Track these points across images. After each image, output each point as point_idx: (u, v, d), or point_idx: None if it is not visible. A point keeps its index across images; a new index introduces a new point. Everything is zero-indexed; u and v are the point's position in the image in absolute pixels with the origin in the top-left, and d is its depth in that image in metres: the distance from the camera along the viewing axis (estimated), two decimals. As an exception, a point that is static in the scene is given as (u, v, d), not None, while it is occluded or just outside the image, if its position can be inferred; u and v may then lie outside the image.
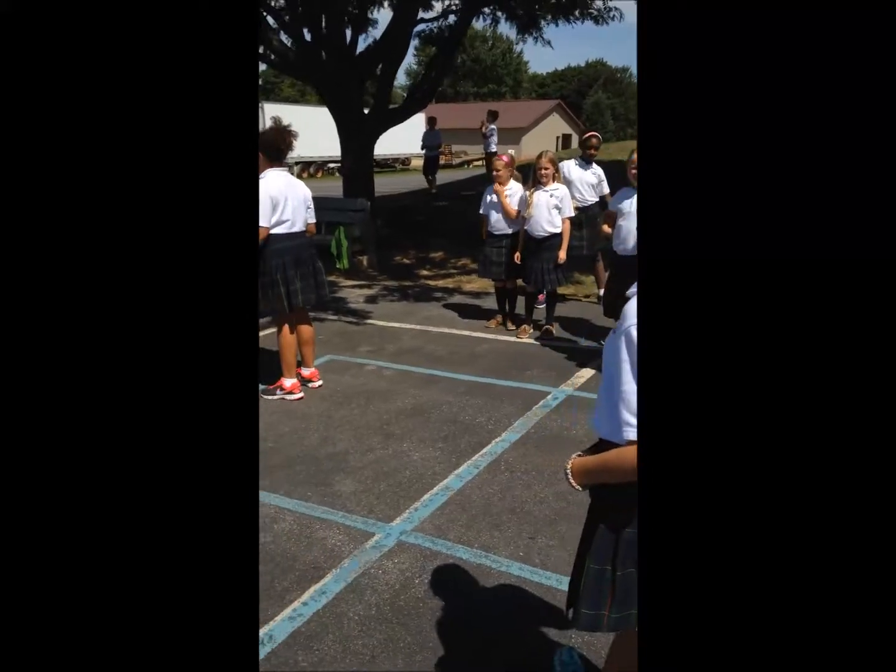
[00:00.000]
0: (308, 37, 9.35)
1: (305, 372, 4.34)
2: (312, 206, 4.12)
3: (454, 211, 11.25)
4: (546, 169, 5.08)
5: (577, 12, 10.24)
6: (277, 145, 3.91)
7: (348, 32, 9.45)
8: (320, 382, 4.37)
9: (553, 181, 5.10)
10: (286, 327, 4.11)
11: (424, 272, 7.92)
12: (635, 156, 4.18)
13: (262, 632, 2.16)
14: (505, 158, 5.40)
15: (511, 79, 57.31)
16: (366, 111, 9.74)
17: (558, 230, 5.10)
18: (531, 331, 5.33)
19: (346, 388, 4.35)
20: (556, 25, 10.64)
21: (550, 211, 5.06)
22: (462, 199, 12.78)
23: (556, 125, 47.63)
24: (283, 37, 9.38)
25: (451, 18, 9.83)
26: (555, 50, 12.78)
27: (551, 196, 5.06)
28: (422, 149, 15.31)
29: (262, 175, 3.91)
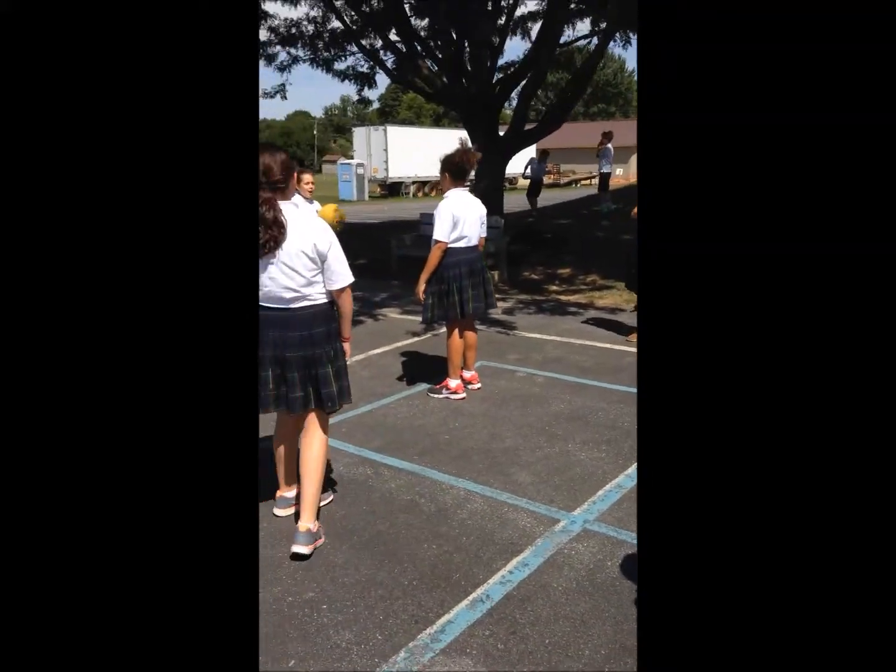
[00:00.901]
0: (447, 62, 9.90)
1: (467, 374, 4.70)
2: (486, 222, 4.50)
3: (576, 228, 11.52)
4: None
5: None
6: (462, 166, 4.32)
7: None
8: (479, 385, 4.72)
9: None
10: (455, 332, 4.49)
11: (554, 287, 8.21)
12: None
13: (478, 591, 2.50)
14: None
15: (622, 98, 56.93)
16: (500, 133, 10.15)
17: None
18: None
19: (502, 391, 4.68)
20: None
21: None
22: (582, 218, 13.01)
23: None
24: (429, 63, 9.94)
25: (591, 41, 10.11)
26: None
27: None
28: (525, 177, 15.62)
29: (445, 194, 4.33)
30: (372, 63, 11.45)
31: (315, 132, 65.37)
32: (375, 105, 67.23)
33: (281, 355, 2.71)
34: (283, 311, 2.70)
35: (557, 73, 12.42)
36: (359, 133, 30.94)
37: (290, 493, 3.09)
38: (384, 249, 9.96)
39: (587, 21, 10.02)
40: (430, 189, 32.25)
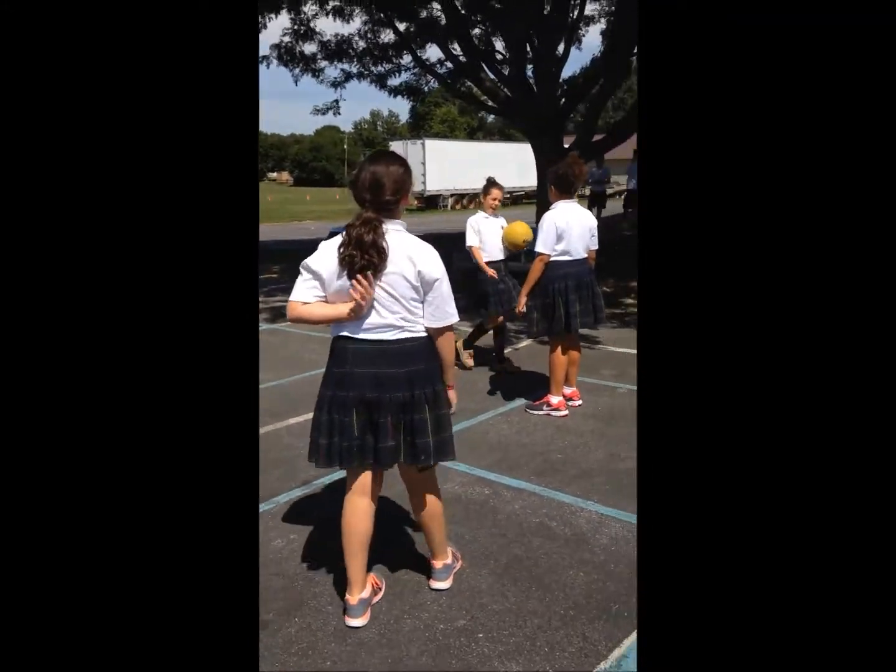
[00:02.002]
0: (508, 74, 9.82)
1: (568, 390, 4.55)
2: (596, 234, 4.35)
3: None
4: None
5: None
6: (566, 177, 4.18)
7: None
8: (580, 402, 4.56)
9: None
10: (559, 348, 4.34)
11: (629, 300, 8.02)
12: None
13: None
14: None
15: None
16: (566, 145, 10.03)
17: None
18: None
19: (605, 408, 4.52)
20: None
21: None
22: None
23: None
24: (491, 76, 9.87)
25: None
26: None
27: None
28: (588, 184, 15.40)
29: (553, 206, 4.21)
30: (425, 75, 11.41)
31: (345, 146, 65.93)
32: (407, 118, 67.75)
33: (371, 396, 2.21)
34: (377, 345, 2.22)
35: (627, 81, 12.25)
36: (395, 147, 31.17)
37: (366, 593, 2.39)
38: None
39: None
40: (469, 202, 32.43)
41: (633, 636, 2.28)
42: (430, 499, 2.47)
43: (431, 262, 2.22)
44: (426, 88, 11.45)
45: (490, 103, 10.22)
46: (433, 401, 2.28)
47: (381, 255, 2.15)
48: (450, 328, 2.28)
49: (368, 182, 2.18)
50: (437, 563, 2.58)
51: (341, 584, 2.59)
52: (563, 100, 9.95)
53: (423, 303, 2.24)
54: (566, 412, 4.39)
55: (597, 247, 4.36)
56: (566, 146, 10.03)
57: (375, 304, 2.21)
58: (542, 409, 4.41)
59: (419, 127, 57.08)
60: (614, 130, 10.26)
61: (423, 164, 28.89)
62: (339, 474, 3.57)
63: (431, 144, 30.02)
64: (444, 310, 2.26)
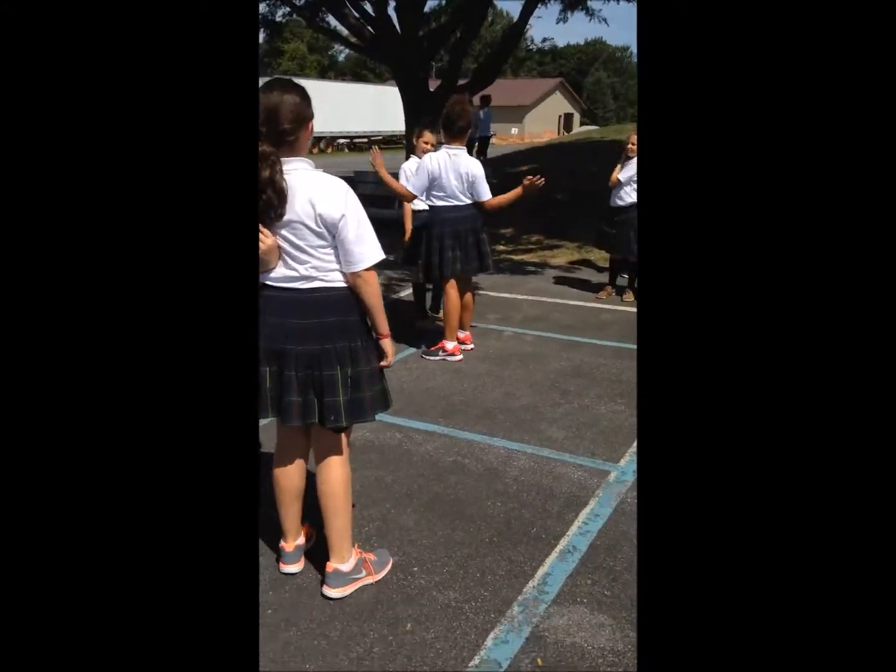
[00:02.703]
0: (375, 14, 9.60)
1: (461, 335, 4.71)
2: (481, 182, 4.39)
3: (505, 189, 11.59)
4: (632, 144, 5.52)
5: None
6: (449, 117, 4.27)
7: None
8: (472, 346, 4.75)
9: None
10: (453, 293, 4.48)
11: (501, 247, 8.29)
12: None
13: (563, 543, 2.57)
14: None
15: (512, 57, 57.29)
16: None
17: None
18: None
19: (497, 351, 4.73)
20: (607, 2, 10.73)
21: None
22: (507, 178, 13.09)
23: (558, 104, 47.71)
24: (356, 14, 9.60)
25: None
26: (610, 27, 12.83)
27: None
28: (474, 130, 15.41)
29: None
30: (281, 5, 10.89)
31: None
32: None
33: (280, 348, 2.09)
34: (287, 293, 2.08)
35: (492, 27, 12.23)
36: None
37: (300, 541, 2.44)
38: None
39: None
40: (327, 145, 31.51)
41: (553, 555, 2.50)
42: (334, 472, 2.25)
43: (331, 201, 2.00)
44: (283, 20, 10.91)
45: (354, 40, 9.95)
46: (346, 356, 2.11)
47: (280, 195, 1.95)
48: (370, 271, 2.08)
49: (264, 114, 1.94)
50: (330, 565, 2.28)
51: (270, 533, 2.62)
52: (426, 42, 9.89)
53: (335, 248, 2.06)
54: (461, 357, 4.56)
55: (485, 197, 4.43)
56: (431, 90, 10.04)
57: (283, 254, 2.06)
58: (437, 355, 4.56)
59: (266, 65, 54.30)
60: (477, 74, 10.38)
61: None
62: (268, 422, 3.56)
63: None
64: (354, 251, 2.03)
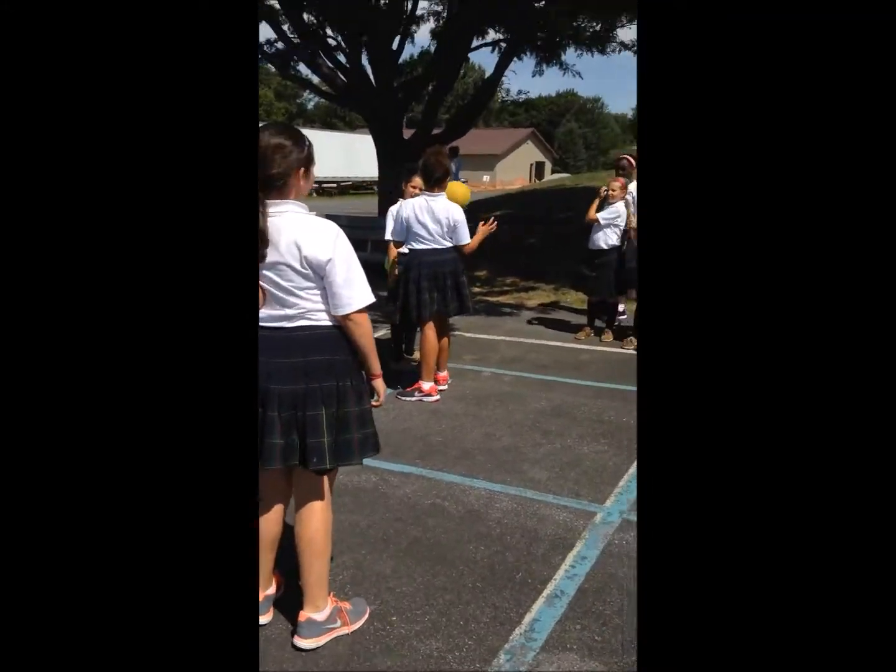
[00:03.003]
0: (348, 63, 9.73)
1: (439, 374, 4.63)
2: (462, 227, 4.37)
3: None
4: (613, 190, 5.55)
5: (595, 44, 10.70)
6: (427, 168, 4.29)
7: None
8: (447, 385, 4.66)
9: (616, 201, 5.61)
10: (431, 334, 4.41)
11: (477, 289, 8.27)
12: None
13: (550, 588, 2.45)
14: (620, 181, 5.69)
15: (485, 108, 58.64)
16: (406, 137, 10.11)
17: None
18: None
19: (474, 391, 4.65)
20: (580, 56, 11.10)
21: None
22: (484, 221, 13.19)
23: (529, 153, 48.72)
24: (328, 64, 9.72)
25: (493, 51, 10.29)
26: (583, 79, 13.17)
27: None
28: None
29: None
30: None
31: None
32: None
33: (263, 387, 1.99)
34: (273, 332, 2.01)
35: (464, 80, 12.50)
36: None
37: (270, 590, 2.30)
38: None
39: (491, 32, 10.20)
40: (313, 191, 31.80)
41: (540, 601, 2.39)
42: (315, 517, 2.14)
43: (318, 244, 1.95)
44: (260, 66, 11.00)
45: (326, 89, 10.05)
46: (332, 396, 2.02)
47: (262, 238, 1.89)
48: (361, 313, 2.02)
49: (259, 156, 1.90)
50: (304, 614, 2.15)
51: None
52: (401, 94, 10.02)
53: (322, 289, 2.01)
54: (437, 397, 4.46)
55: (465, 241, 4.41)
56: (405, 137, 10.15)
57: (270, 296, 2.00)
58: (413, 395, 4.46)
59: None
60: (450, 125, 10.53)
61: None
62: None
63: None
64: (342, 295, 1.98)
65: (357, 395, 2.08)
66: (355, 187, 35.54)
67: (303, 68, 10.47)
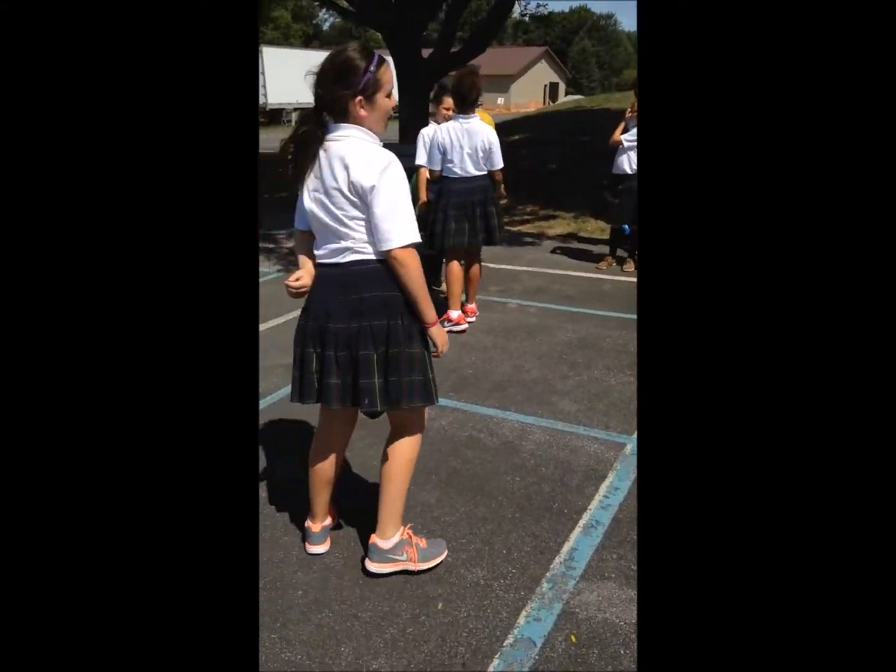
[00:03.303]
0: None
1: (467, 307, 4.67)
2: (496, 151, 4.31)
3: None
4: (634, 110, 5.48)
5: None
6: (460, 90, 4.20)
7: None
8: (474, 318, 4.70)
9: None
10: (454, 262, 4.42)
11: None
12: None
13: (585, 517, 2.56)
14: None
15: (503, 23, 56.49)
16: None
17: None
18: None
19: (501, 323, 4.69)
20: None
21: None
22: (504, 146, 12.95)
23: (543, 73, 47.19)
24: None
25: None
26: None
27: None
28: None
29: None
30: None
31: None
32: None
33: (322, 326, 2.01)
34: (330, 269, 2.01)
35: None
36: (229, 56, 28.78)
37: (326, 521, 2.40)
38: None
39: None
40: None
41: (577, 530, 2.49)
42: (398, 448, 2.19)
43: (365, 169, 1.88)
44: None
45: (345, 6, 9.70)
46: (382, 335, 1.99)
47: (309, 157, 1.93)
48: (405, 250, 1.91)
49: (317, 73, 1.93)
50: (372, 538, 2.23)
51: (291, 512, 2.60)
52: (417, 10, 9.64)
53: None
54: (465, 326, 4.51)
55: (499, 165, 4.36)
56: (424, 56, 9.84)
57: (325, 227, 1.98)
58: (443, 326, 4.50)
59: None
60: (469, 42, 10.18)
61: (262, 74, 26.79)
62: (271, 399, 3.51)
63: (270, 52, 27.22)
64: (381, 228, 1.89)
65: (407, 335, 2.02)
66: (366, 110, 34.59)
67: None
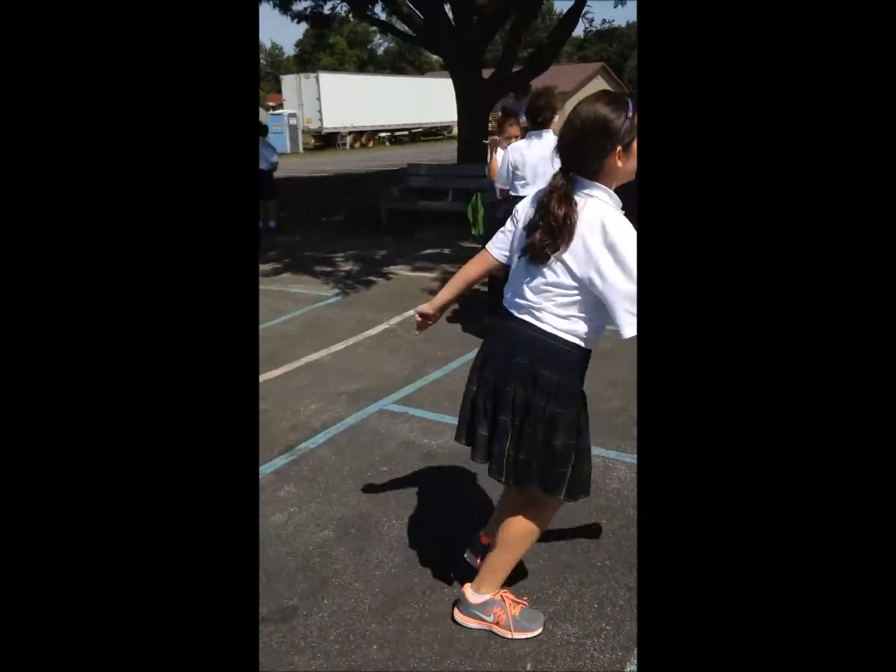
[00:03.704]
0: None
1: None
2: None
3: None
4: None
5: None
6: (533, 108, 4.09)
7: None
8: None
9: None
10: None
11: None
12: None
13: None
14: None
15: (565, 41, 56.52)
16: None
17: None
18: None
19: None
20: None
21: None
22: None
23: (600, 89, 46.87)
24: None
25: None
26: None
27: None
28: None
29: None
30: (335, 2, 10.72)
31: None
32: (291, 52, 64.30)
33: (484, 374, 1.89)
34: (507, 321, 1.85)
35: (537, 20, 11.95)
36: (288, 81, 29.61)
37: (485, 541, 2.27)
38: (357, 203, 9.53)
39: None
40: (368, 140, 31.51)
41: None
42: (516, 522, 2.00)
43: (595, 233, 1.67)
44: (336, 12, 10.65)
45: (408, 31, 9.73)
46: (531, 414, 1.79)
47: (567, 231, 1.66)
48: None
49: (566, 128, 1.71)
50: (467, 589, 2.08)
51: (359, 554, 2.45)
52: (479, 30, 9.60)
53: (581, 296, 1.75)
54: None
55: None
56: (485, 78, 9.78)
57: (519, 275, 1.83)
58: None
59: (306, 61, 54.35)
60: (531, 62, 10.06)
61: (319, 99, 27.57)
62: (323, 437, 3.38)
63: (327, 78, 28.41)
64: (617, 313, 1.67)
65: (566, 426, 1.82)
66: (426, 133, 35.03)
67: (379, 10, 10.15)
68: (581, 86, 44.47)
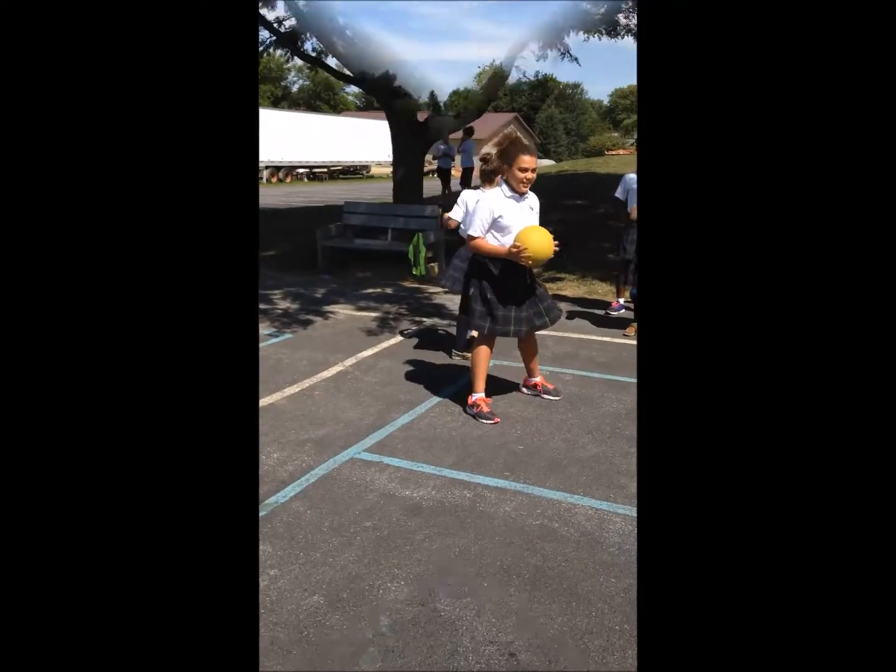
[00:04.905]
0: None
1: (536, 380, 4.36)
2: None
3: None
4: None
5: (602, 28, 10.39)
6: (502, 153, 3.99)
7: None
8: (554, 389, 4.39)
9: None
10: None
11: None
12: None
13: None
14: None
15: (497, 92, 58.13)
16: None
17: None
18: None
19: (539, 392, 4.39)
20: (586, 41, 10.79)
21: None
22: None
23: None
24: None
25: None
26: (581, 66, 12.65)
27: None
28: (436, 158, 15.25)
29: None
30: (272, 37, 10.50)
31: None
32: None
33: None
34: None
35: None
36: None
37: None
38: (287, 239, 9.27)
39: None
40: (286, 175, 31.29)
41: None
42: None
43: None
44: (268, 50, 10.41)
45: (347, 72, 9.64)
46: None
47: None
48: None
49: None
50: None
51: (360, 625, 2.22)
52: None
53: None
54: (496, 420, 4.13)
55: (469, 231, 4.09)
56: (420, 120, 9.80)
57: None
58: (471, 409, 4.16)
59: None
60: (465, 110, 10.18)
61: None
62: (293, 489, 3.10)
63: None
64: None
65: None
66: (344, 171, 35.15)
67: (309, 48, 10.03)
68: (496, 133, 45.73)
